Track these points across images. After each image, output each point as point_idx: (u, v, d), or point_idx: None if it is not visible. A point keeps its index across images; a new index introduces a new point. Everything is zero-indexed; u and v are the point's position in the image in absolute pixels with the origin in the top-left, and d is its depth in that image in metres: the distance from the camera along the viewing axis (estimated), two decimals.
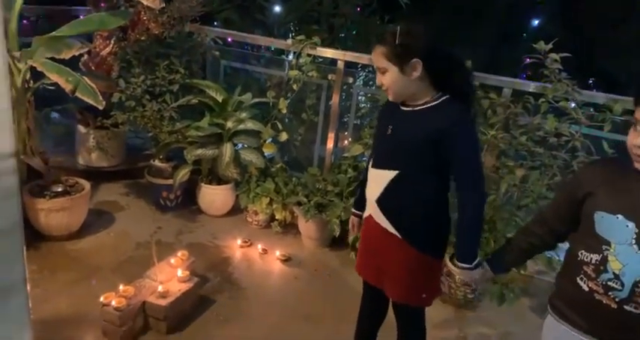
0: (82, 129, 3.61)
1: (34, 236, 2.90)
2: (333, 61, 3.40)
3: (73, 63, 3.41)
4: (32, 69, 2.77)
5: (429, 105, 1.63)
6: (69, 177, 3.09)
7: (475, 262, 1.60)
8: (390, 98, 1.69)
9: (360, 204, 1.92)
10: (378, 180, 1.72)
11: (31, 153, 2.99)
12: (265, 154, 3.36)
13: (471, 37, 5.78)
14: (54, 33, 2.74)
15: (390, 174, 1.68)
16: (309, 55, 3.26)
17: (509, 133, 2.51)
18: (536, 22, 7.18)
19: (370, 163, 1.80)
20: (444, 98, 1.62)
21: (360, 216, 1.94)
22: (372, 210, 1.77)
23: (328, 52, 3.30)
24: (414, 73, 1.59)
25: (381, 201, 1.72)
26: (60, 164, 3.61)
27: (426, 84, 1.63)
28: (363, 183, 1.89)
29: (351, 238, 2.95)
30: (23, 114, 2.89)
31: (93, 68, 3.42)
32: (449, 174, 1.66)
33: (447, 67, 1.60)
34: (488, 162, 2.57)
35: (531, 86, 2.62)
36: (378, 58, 1.62)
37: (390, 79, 1.62)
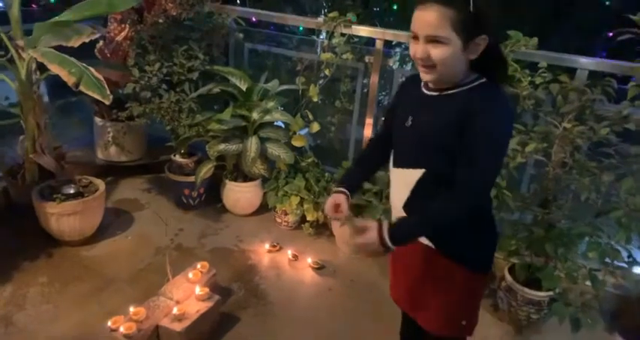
0: (98, 121, 3.36)
1: (47, 242, 2.69)
2: (370, 41, 2.99)
3: (88, 49, 3.18)
4: None
5: (459, 89, 1.28)
6: (83, 176, 2.85)
7: (394, 244, 1.27)
8: (430, 77, 1.27)
9: (349, 179, 1.57)
10: (403, 181, 1.39)
11: (42, 150, 2.75)
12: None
13: (521, 7, 5.08)
14: (56, 18, 2.46)
15: (416, 174, 1.34)
16: (342, 35, 2.86)
17: (586, 125, 2.06)
18: None
19: (392, 162, 1.45)
20: (479, 81, 1.28)
21: (345, 194, 1.49)
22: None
23: (365, 30, 2.90)
24: (474, 50, 1.23)
25: (409, 207, 1.39)
26: (78, 159, 3.40)
27: (467, 66, 1.28)
28: (361, 158, 1.63)
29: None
30: (30, 109, 2.65)
31: (108, 55, 3.13)
32: None
33: (494, 49, 1.27)
34: (557, 159, 2.14)
35: (617, 67, 2.14)
36: (437, 22, 1.18)
37: (445, 53, 1.21)
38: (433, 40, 1.21)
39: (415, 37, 1.24)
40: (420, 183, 1.35)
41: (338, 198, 1.47)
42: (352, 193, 1.51)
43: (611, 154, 2.04)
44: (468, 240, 1.39)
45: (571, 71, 2.26)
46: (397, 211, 1.44)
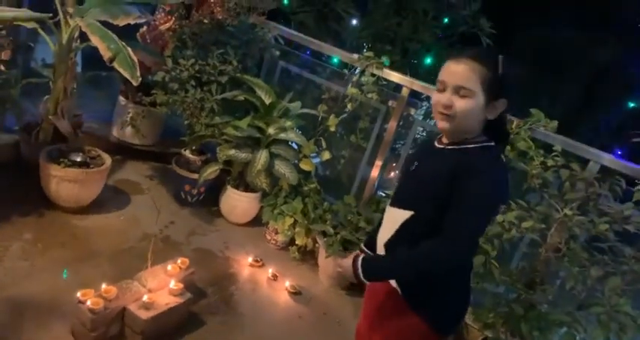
0: (121, 100, 3.44)
1: (42, 202, 2.71)
2: (398, 87, 3.08)
3: (131, 32, 3.28)
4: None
5: (465, 146, 1.35)
6: (93, 147, 2.90)
7: (365, 278, 1.37)
8: (446, 127, 1.34)
9: (371, 243, 1.63)
10: (391, 220, 1.44)
11: (61, 114, 2.81)
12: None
13: (551, 91, 5.24)
14: None
15: (404, 215, 1.40)
16: (373, 75, 2.95)
17: (587, 216, 2.10)
18: None
19: (389, 201, 1.51)
20: (486, 144, 1.36)
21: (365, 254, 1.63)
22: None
23: (395, 76, 2.98)
24: (493, 111, 1.32)
25: (389, 245, 1.44)
26: (93, 131, 3.45)
27: (482, 126, 1.36)
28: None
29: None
30: (62, 73, 2.72)
31: (148, 41, 3.24)
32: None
33: (505, 114, 1.40)
34: (552, 243, 2.17)
35: (628, 167, 2.20)
36: (467, 75, 1.27)
37: (468, 105, 1.29)
38: (460, 90, 1.29)
39: (441, 88, 1.33)
40: (404, 225, 1.40)
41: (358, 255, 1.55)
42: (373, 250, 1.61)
43: (605, 250, 2.08)
44: (436, 296, 1.41)
45: (583, 161, 2.32)
46: (379, 248, 1.49)
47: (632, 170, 2.19)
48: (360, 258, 1.39)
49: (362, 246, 1.69)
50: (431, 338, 1.43)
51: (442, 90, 1.33)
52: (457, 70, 1.29)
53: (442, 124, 1.34)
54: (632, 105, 5.56)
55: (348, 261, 1.41)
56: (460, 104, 1.29)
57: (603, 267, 1.95)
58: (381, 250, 1.48)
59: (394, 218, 1.43)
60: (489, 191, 1.27)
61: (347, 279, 1.40)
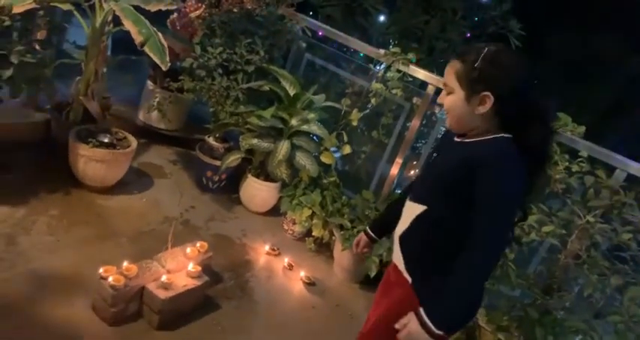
0: (149, 85, 3.50)
1: (69, 181, 2.78)
2: (423, 85, 3.07)
3: (162, 18, 3.32)
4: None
5: (480, 138, 1.34)
6: (120, 130, 2.96)
7: (440, 331, 1.23)
8: (448, 123, 1.40)
9: (377, 225, 1.74)
10: (407, 214, 1.46)
11: (91, 96, 2.87)
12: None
13: (579, 96, 5.14)
14: None
15: (418, 209, 1.41)
16: (398, 71, 2.95)
17: (610, 224, 2.08)
18: None
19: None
20: (500, 135, 1.32)
21: (371, 238, 1.74)
22: (394, 249, 1.51)
23: (420, 73, 2.97)
24: (479, 107, 1.30)
25: (403, 238, 1.46)
26: (120, 114, 3.52)
27: (493, 124, 1.33)
28: (391, 205, 1.73)
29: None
30: (94, 56, 2.78)
31: (178, 28, 3.28)
32: None
33: (523, 117, 1.31)
34: (572, 250, 2.15)
35: None
36: (448, 73, 1.34)
37: (452, 102, 1.34)
38: (446, 88, 1.36)
39: None
40: (417, 219, 1.41)
41: (360, 238, 1.75)
42: (378, 234, 1.72)
43: (626, 260, 2.05)
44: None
45: (610, 168, 2.29)
46: (395, 240, 1.50)
47: None
48: (422, 311, 1.27)
49: (367, 228, 1.74)
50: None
51: None
52: (446, 71, 1.36)
53: (447, 121, 1.41)
54: None
55: (413, 325, 1.26)
56: (446, 100, 1.37)
57: (624, 277, 1.93)
58: (396, 242, 1.50)
59: (410, 211, 1.45)
60: (506, 187, 1.25)
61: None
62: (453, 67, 1.33)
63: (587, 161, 2.29)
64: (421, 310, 1.27)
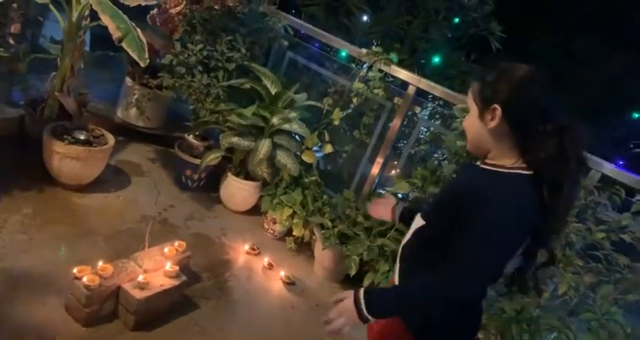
0: (128, 81, 3.44)
1: (44, 178, 2.72)
2: (404, 85, 3.08)
3: (141, 13, 3.27)
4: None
5: (496, 169, 1.27)
6: (97, 127, 2.90)
7: (368, 315, 1.24)
8: (467, 146, 1.41)
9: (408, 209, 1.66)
10: (414, 225, 1.45)
11: (67, 92, 2.81)
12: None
13: (557, 98, 5.23)
14: None
15: (419, 223, 1.41)
16: (380, 71, 2.95)
17: (584, 224, 2.11)
18: None
19: None
20: (517, 171, 1.23)
21: (402, 215, 1.65)
22: (398, 255, 1.50)
23: (402, 73, 2.99)
24: (491, 121, 1.26)
25: (404, 248, 1.46)
26: (98, 111, 3.46)
27: (507, 144, 1.26)
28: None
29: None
30: (70, 51, 2.72)
31: (158, 24, 3.23)
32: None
33: (536, 132, 1.21)
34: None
35: (629, 178, 2.21)
36: (469, 96, 1.35)
37: (468, 120, 1.36)
38: (468, 110, 1.37)
39: None
40: (416, 233, 1.41)
41: (392, 204, 1.67)
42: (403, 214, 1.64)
43: (600, 259, 2.09)
44: (442, 334, 1.36)
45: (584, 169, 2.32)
46: (400, 248, 1.49)
47: (632, 180, 2.19)
48: (362, 291, 1.27)
49: (404, 207, 1.66)
50: None
51: None
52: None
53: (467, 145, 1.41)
54: (637, 115, 5.58)
55: (348, 302, 1.27)
56: (464, 121, 1.37)
57: (597, 275, 1.96)
58: (399, 250, 1.49)
59: (415, 224, 1.44)
60: (495, 225, 1.17)
61: (346, 321, 1.28)
62: (472, 89, 1.33)
63: None
64: (361, 290, 1.29)
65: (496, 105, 1.24)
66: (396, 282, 1.45)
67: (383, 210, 1.69)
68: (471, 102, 1.33)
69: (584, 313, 1.94)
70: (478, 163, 1.37)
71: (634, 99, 5.88)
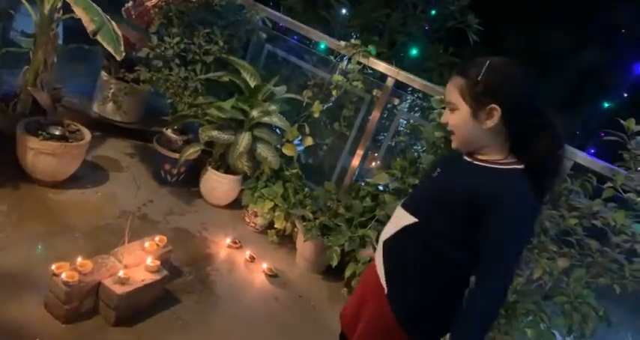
0: (104, 75, 3.38)
1: (18, 175, 2.66)
2: (383, 77, 3.11)
3: (116, 6, 3.22)
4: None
5: (491, 165, 1.30)
6: (73, 122, 2.85)
7: None
8: (454, 144, 1.37)
9: None
10: (397, 220, 1.43)
11: (41, 86, 2.75)
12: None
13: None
14: None
15: (408, 220, 1.38)
16: (359, 63, 2.97)
17: (558, 211, 2.17)
18: (625, 94, 6.38)
19: (403, 199, 1.51)
20: (513, 166, 1.29)
21: None
22: (377, 249, 1.49)
23: (380, 66, 3.00)
24: (487, 121, 1.27)
25: (387, 244, 1.44)
26: (73, 106, 3.39)
27: (501, 140, 1.30)
28: None
29: (347, 273, 2.63)
30: (43, 44, 2.66)
31: (133, 17, 3.18)
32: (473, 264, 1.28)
33: (531, 128, 1.27)
34: None
35: (599, 165, 2.27)
36: (451, 90, 1.31)
37: (457, 119, 1.31)
38: (449, 105, 1.33)
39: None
40: (405, 230, 1.38)
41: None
42: None
43: (572, 244, 2.15)
44: (417, 302, 1.39)
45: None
46: (379, 245, 1.48)
47: (602, 167, 2.26)
48: None
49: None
50: None
51: None
52: (447, 87, 1.33)
53: (452, 143, 1.38)
54: (607, 105, 5.77)
55: None
56: (451, 119, 1.33)
57: (570, 259, 2.03)
58: (380, 246, 1.46)
59: (399, 219, 1.41)
60: (522, 221, 1.23)
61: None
62: (454, 84, 1.30)
63: None
64: None
65: (495, 106, 1.24)
66: (383, 283, 1.41)
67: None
68: (456, 99, 1.29)
69: (558, 296, 2.00)
70: (466, 158, 1.37)
71: (604, 89, 6.10)
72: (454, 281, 1.37)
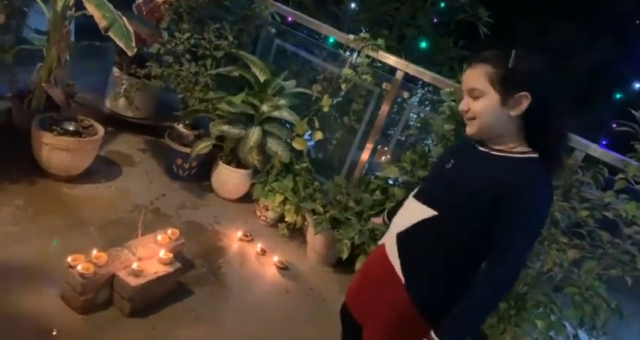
0: (116, 71, 3.42)
1: (33, 170, 2.71)
2: (392, 71, 3.10)
3: (127, 2, 3.25)
4: None
5: (509, 154, 1.33)
6: (86, 117, 2.89)
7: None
8: (471, 131, 1.36)
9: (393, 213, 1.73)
10: (412, 212, 1.44)
11: (54, 83, 2.80)
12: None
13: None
14: None
15: (426, 213, 1.39)
16: (368, 57, 2.97)
17: (569, 202, 2.16)
18: (638, 85, 6.36)
19: (414, 191, 1.51)
20: (530, 155, 1.32)
21: (385, 223, 1.79)
22: (388, 240, 1.50)
23: (390, 59, 3.00)
24: (516, 108, 1.29)
25: (402, 237, 1.44)
26: (86, 101, 3.44)
27: (518, 129, 1.32)
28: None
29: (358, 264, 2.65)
30: (56, 41, 2.70)
31: (144, 13, 3.21)
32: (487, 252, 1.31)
33: (547, 118, 1.30)
34: None
35: (611, 157, 2.26)
36: (475, 77, 1.32)
37: (483, 106, 1.31)
38: (472, 93, 1.33)
39: (462, 96, 1.38)
40: (423, 223, 1.39)
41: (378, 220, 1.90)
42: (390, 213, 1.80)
43: (583, 236, 2.14)
44: (435, 290, 1.41)
45: (569, 149, 2.37)
46: (390, 235, 1.49)
47: (614, 158, 2.24)
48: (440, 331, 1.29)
49: (385, 216, 1.81)
50: (421, 328, 1.41)
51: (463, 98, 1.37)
52: (468, 74, 1.34)
53: (467, 130, 1.38)
54: (619, 96, 5.72)
55: None
56: (475, 105, 1.33)
57: (580, 251, 2.02)
58: (391, 238, 1.47)
59: (414, 211, 1.42)
60: (532, 213, 1.26)
61: None
62: (480, 71, 1.30)
63: None
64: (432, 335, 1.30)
65: (525, 93, 1.27)
66: (399, 273, 1.43)
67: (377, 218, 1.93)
68: (484, 86, 1.30)
69: (568, 288, 2.00)
70: (482, 148, 1.38)
71: (616, 80, 6.07)
72: (469, 270, 1.39)
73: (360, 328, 1.58)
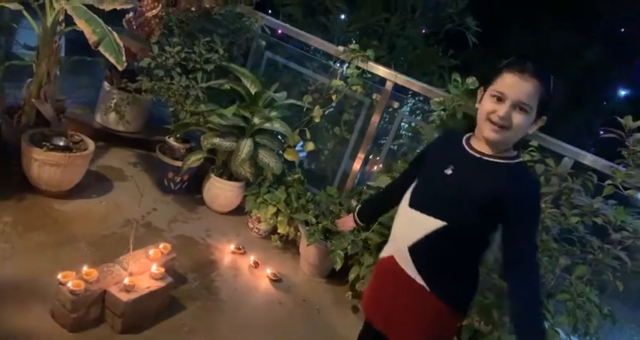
0: (106, 86, 3.42)
1: (23, 186, 2.70)
2: (382, 81, 3.13)
3: (117, 18, 3.26)
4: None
5: (509, 161, 1.41)
6: (76, 132, 2.89)
7: None
8: (496, 138, 1.37)
9: (365, 214, 1.88)
10: (417, 224, 1.46)
11: (44, 98, 2.79)
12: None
13: None
14: None
15: (435, 224, 1.42)
16: (358, 68, 2.99)
17: (559, 209, 2.18)
18: (623, 93, 6.53)
19: (408, 200, 1.52)
20: (521, 160, 1.45)
21: (357, 224, 1.89)
22: (397, 253, 1.53)
23: (379, 70, 3.03)
24: (535, 127, 1.42)
25: (415, 249, 1.47)
26: (76, 116, 3.44)
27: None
28: (379, 197, 1.91)
29: (352, 275, 2.64)
30: (46, 56, 2.70)
31: (134, 28, 3.23)
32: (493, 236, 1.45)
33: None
34: None
35: (600, 164, 2.28)
36: (531, 94, 1.33)
37: (524, 121, 1.36)
38: (520, 106, 1.35)
39: (499, 98, 1.36)
40: (435, 234, 1.42)
41: (347, 221, 1.93)
42: (363, 220, 1.89)
43: (574, 242, 2.16)
44: (459, 286, 1.51)
45: (558, 156, 2.40)
46: (398, 248, 1.53)
47: (602, 165, 2.27)
48: None
49: (355, 215, 1.87)
50: (456, 318, 1.57)
51: (500, 101, 1.36)
52: (522, 86, 1.33)
53: (491, 134, 1.37)
54: (605, 104, 5.86)
55: None
56: (518, 118, 1.35)
57: (571, 257, 2.03)
58: (401, 251, 1.50)
59: (420, 223, 1.45)
60: (538, 210, 1.50)
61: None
62: (537, 89, 1.33)
63: (538, 150, 2.39)
64: None
65: (545, 118, 1.40)
66: (421, 282, 1.48)
67: (347, 221, 1.93)
68: (534, 103, 1.34)
69: (560, 294, 2.01)
70: (482, 157, 1.42)
71: (604, 89, 6.19)
72: (481, 254, 1.52)
73: (381, 335, 1.62)
